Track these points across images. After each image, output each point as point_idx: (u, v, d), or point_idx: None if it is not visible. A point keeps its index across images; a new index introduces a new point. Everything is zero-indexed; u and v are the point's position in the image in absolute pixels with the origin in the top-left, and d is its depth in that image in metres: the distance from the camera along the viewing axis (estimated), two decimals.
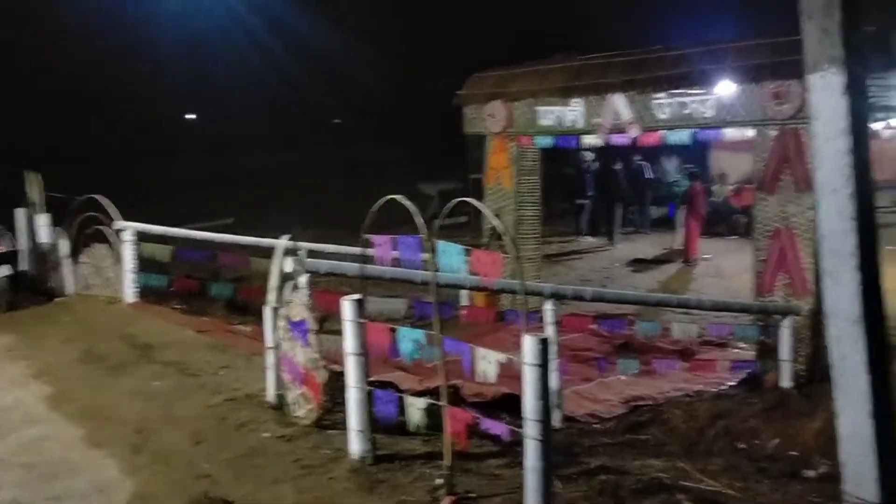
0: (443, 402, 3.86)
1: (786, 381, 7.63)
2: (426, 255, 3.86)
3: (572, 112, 9.78)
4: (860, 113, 2.73)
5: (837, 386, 2.84)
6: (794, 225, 8.07)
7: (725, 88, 8.46)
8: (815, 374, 7.73)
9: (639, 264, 14.38)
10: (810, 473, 4.71)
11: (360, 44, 29.34)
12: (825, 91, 2.72)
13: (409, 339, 4.08)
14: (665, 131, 9.18)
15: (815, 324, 7.80)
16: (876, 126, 13.43)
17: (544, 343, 3.21)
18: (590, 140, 10.05)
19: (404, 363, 5.47)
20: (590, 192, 17.22)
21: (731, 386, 7.92)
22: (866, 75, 2.78)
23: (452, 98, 11.22)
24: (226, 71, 30.63)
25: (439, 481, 3.99)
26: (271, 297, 5.35)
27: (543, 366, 3.19)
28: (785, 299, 8.11)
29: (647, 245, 15.94)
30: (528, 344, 3.18)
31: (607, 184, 16.71)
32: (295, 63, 29.50)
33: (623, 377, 7.94)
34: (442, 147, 21.76)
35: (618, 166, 16.73)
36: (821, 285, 7.96)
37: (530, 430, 3.20)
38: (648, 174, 17.57)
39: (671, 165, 18.70)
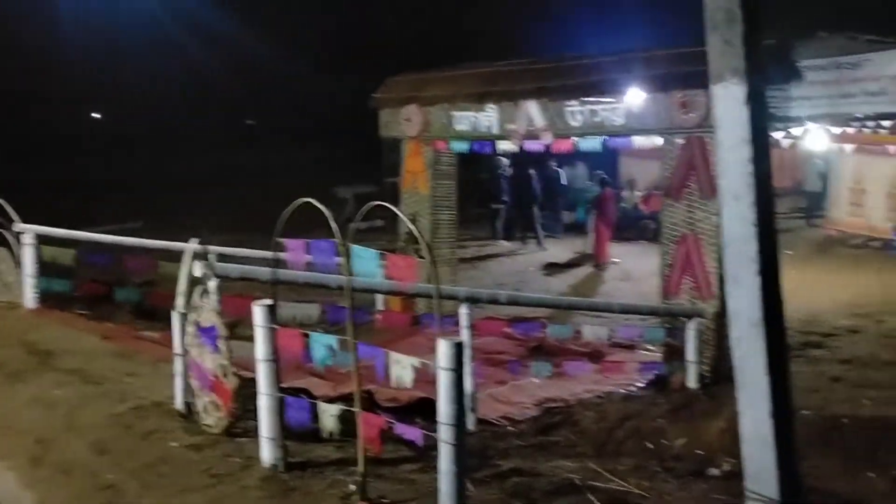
0: (356, 408, 3.82)
1: (692, 382, 7.86)
2: (340, 260, 3.82)
3: (487, 118, 9.87)
4: (761, 123, 2.83)
5: (739, 386, 2.94)
6: (700, 230, 8.32)
7: (635, 97, 8.67)
8: (720, 374, 8.00)
9: (552, 268, 14.62)
10: (715, 472, 4.86)
11: (274, 43, 28.90)
12: (728, 101, 2.81)
13: (321, 344, 4.03)
14: (577, 138, 9.34)
15: (720, 326, 8.06)
16: (776, 136, 14.05)
17: (459, 347, 3.21)
18: (504, 145, 10.17)
19: (319, 369, 5.40)
20: (504, 198, 17.41)
21: (639, 387, 8.11)
22: (767, 87, 2.89)
23: (368, 101, 11.17)
24: (134, 69, 29.70)
25: (353, 487, 3.95)
26: (180, 302, 5.21)
27: (458, 370, 3.20)
28: (691, 302, 8.36)
29: (560, 249, 16.22)
30: (443, 348, 3.18)
31: (526, 189, 16.92)
32: (207, 62, 28.85)
33: (536, 379, 8.04)
34: (358, 150, 21.65)
35: (533, 172, 16.98)
36: (724, 289, 8.26)
37: (444, 434, 3.20)
38: (563, 180, 17.89)
39: (582, 171, 19.08)
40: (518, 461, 5.05)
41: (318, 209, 3.89)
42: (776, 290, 2.94)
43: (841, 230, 15.87)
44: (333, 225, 3.76)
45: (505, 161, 17.11)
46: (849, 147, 15.36)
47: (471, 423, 6.68)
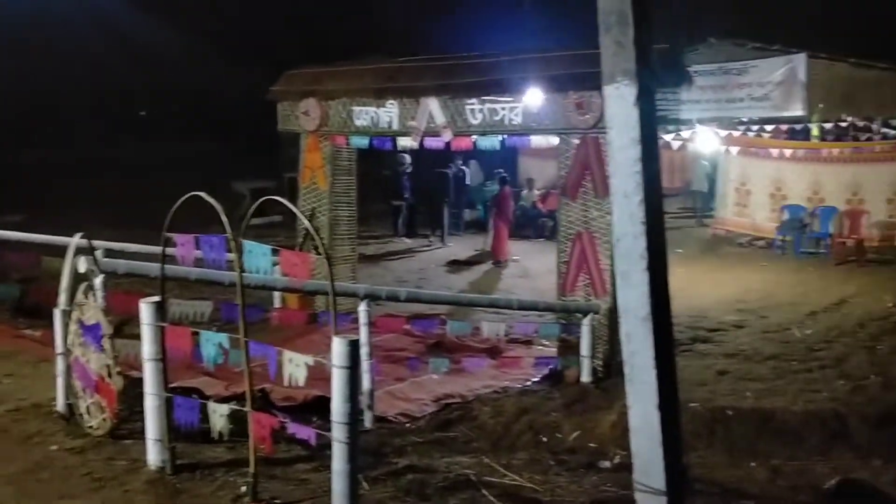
0: (247, 408, 3.73)
1: (586, 376, 8.04)
2: (231, 256, 3.71)
3: (387, 113, 9.82)
4: (650, 124, 2.89)
5: (629, 380, 3.00)
6: (594, 229, 8.51)
7: (533, 97, 8.79)
8: (612, 369, 8.22)
9: (453, 265, 14.69)
10: (606, 464, 4.98)
11: (174, 32, 27.94)
12: (619, 101, 2.86)
13: (211, 343, 3.92)
14: (477, 136, 9.41)
15: (612, 322, 8.28)
16: (667, 137, 14.52)
17: (353, 345, 3.17)
18: (405, 142, 10.14)
19: (212, 368, 5.25)
20: (406, 195, 17.41)
21: (535, 382, 8.25)
22: (656, 88, 2.96)
23: (266, 93, 10.95)
24: (21, 52, 28.15)
25: (243, 489, 3.86)
26: (63, 299, 4.97)
27: (352, 368, 3.15)
28: (585, 299, 8.54)
29: (462, 247, 16.31)
30: (337, 346, 3.13)
31: (439, 186, 16.94)
32: (102, 50, 27.63)
33: (435, 376, 8.06)
34: (257, 144, 21.19)
35: (445, 170, 17.04)
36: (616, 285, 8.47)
37: (338, 432, 3.15)
38: (468, 179, 18.02)
39: (476, 170, 19.24)
40: (414, 458, 5.04)
41: (215, 204, 3.77)
42: (664, 287, 3.01)
43: (728, 229, 16.52)
44: (224, 220, 3.66)
45: (407, 158, 17.11)
46: (735, 149, 16.01)
47: (368, 421, 6.65)
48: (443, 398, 7.74)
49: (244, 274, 3.78)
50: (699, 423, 6.85)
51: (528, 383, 8.25)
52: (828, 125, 15.93)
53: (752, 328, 10.22)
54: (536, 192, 18.21)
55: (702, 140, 15.75)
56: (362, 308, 6.36)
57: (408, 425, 7.22)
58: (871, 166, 14.65)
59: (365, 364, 6.47)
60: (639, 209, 2.91)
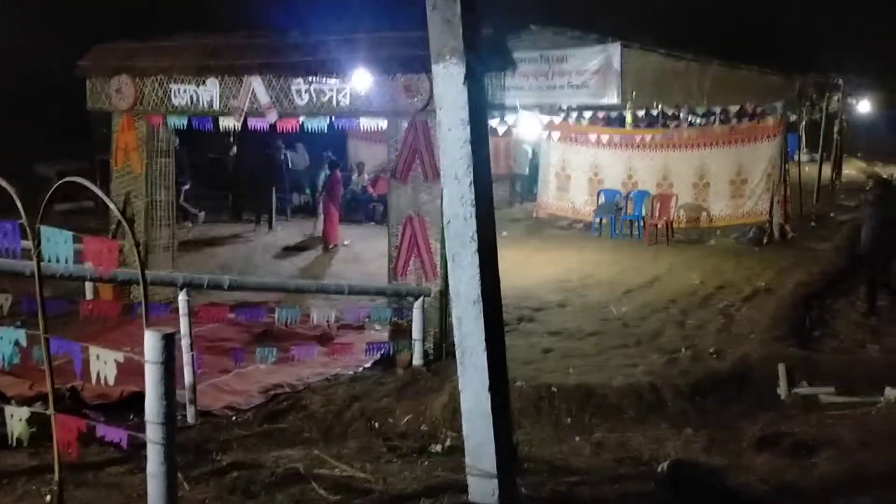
0: (50, 410, 3.39)
1: (418, 360, 8.04)
2: (27, 244, 3.35)
3: (208, 92, 9.34)
4: (479, 104, 2.85)
5: (460, 363, 2.96)
6: (424, 212, 8.49)
7: (361, 79, 8.64)
8: (443, 351, 8.27)
9: (282, 251, 14.31)
10: (437, 448, 4.97)
11: None
12: (448, 81, 2.79)
13: (6, 340, 3.52)
14: (303, 118, 9.15)
15: (443, 305, 8.32)
16: (493, 123, 14.82)
17: (168, 338, 2.93)
18: (227, 123, 9.71)
19: (6, 368, 4.76)
20: (232, 178, 16.81)
21: (367, 368, 8.16)
22: (483, 68, 2.91)
23: (74, 69, 10.14)
24: None
25: (48, 498, 3.51)
26: None
27: (167, 363, 2.92)
28: (417, 282, 8.53)
29: (290, 232, 15.91)
30: (150, 340, 2.88)
31: (265, 170, 16.38)
32: None
33: (262, 366, 7.80)
34: (69, 124, 19.63)
35: (273, 152, 16.50)
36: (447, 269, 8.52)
37: (152, 433, 2.91)
38: (291, 162, 17.56)
39: (302, 152, 18.82)
40: (240, 454, 4.82)
41: (6, 186, 3.38)
42: (494, 269, 3.00)
43: (550, 213, 17.12)
44: (18, 203, 3.29)
45: (231, 140, 16.51)
46: (555, 135, 16.59)
47: (191, 416, 6.33)
48: (271, 389, 7.50)
49: (46, 263, 3.42)
50: (526, 401, 7.02)
51: (360, 369, 8.15)
52: (640, 113, 16.86)
53: (574, 307, 10.60)
54: (367, 176, 18.09)
55: (525, 126, 16.21)
56: (182, 297, 6.02)
57: (234, 419, 6.94)
58: (679, 152, 15.62)
59: (186, 356, 6.14)
60: (469, 191, 2.88)
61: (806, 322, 9.42)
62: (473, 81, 2.80)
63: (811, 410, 6.97)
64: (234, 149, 16.94)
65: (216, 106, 9.38)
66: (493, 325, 2.97)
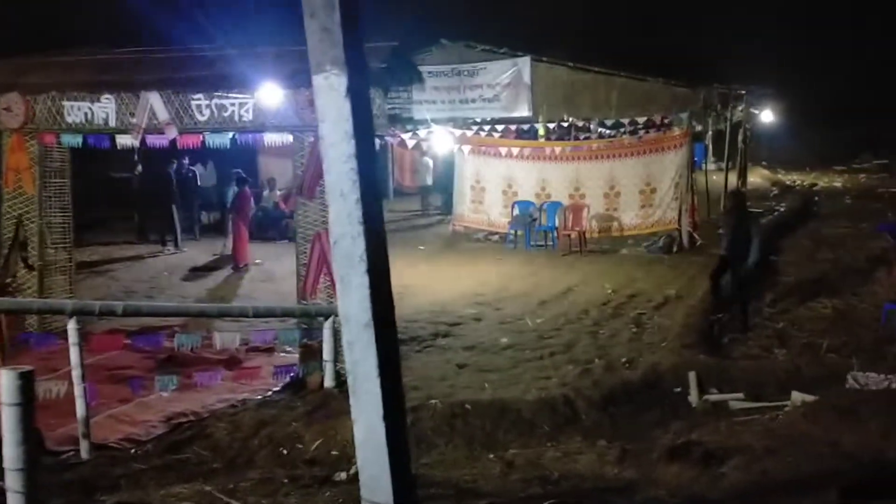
0: None
1: (329, 381, 7.80)
2: None
3: (103, 109, 8.96)
4: (364, 117, 2.70)
5: (352, 391, 2.79)
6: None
7: (265, 93, 8.41)
8: None
9: (190, 272, 13.84)
10: (342, 475, 4.76)
11: None
12: (329, 93, 2.64)
13: None
14: (207, 134, 8.85)
15: None
16: (404, 136, 14.71)
17: (25, 378, 2.67)
18: (125, 140, 9.30)
19: None
20: (137, 198, 16.22)
21: (276, 391, 7.88)
22: (367, 79, 2.76)
23: None
24: None
25: None
26: None
27: (25, 404, 2.65)
28: (328, 301, 8.31)
29: (198, 252, 15.42)
30: (5, 380, 2.62)
31: (163, 188, 15.81)
32: None
33: (165, 394, 7.45)
34: None
35: (170, 169, 15.93)
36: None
37: (11, 480, 2.64)
38: (199, 179, 17.05)
39: (211, 170, 18.36)
40: (127, 493, 4.51)
41: None
42: (386, 290, 2.84)
43: (466, 226, 17.08)
44: None
45: (136, 158, 15.94)
46: (469, 149, 16.58)
47: (85, 451, 5.97)
48: (174, 417, 7.16)
49: None
50: (440, 420, 6.87)
51: (269, 394, 7.87)
52: (552, 125, 17.02)
53: (489, 320, 10.55)
54: (278, 193, 17.70)
55: (437, 139, 16.15)
56: (71, 326, 5.67)
57: (133, 451, 6.59)
58: (589, 163, 15.82)
59: (77, 388, 5.78)
60: (356, 208, 2.72)
61: (715, 328, 9.57)
62: (357, 93, 2.64)
63: (721, 417, 7.02)
64: (139, 167, 16.35)
65: (112, 123, 9.01)
66: (387, 350, 2.81)
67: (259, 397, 7.75)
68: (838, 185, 24.63)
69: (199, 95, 8.59)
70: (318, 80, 2.67)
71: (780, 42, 34.28)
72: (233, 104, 8.51)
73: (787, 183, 25.12)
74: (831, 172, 27.64)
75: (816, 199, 20.91)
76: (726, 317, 9.90)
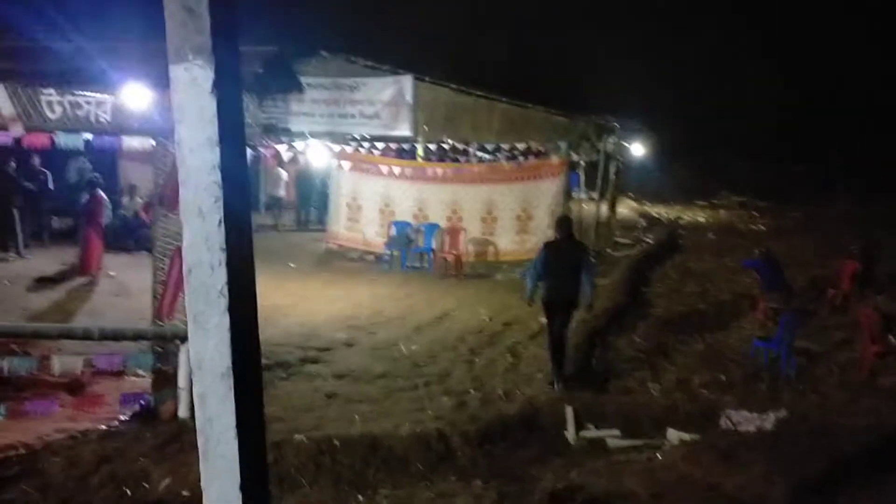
0: None
1: (184, 411, 7.08)
2: None
3: None
4: (233, 119, 2.20)
5: (203, 455, 2.27)
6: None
7: (127, 92, 7.65)
8: None
9: (35, 283, 12.56)
10: None
11: None
12: (189, 87, 2.13)
13: None
14: (59, 134, 7.96)
15: None
16: (280, 148, 14.04)
17: None
18: None
19: None
20: None
21: (123, 421, 7.10)
22: (239, 74, 2.26)
23: None
24: None
25: None
26: None
27: None
28: (185, 322, 7.57)
29: (47, 260, 14.08)
30: None
31: (6, 188, 14.36)
32: None
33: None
34: None
35: (12, 169, 14.50)
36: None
37: None
38: (49, 181, 15.62)
39: (74, 172, 16.95)
40: None
41: None
42: (251, 333, 2.34)
43: (341, 244, 16.50)
44: None
45: None
46: (346, 164, 16.04)
47: None
48: (1, 450, 6.28)
49: None
50: (304, 457, 6.35)
51: (115, 423, 7.07)
52: (432, 146, 16.72)
53: (362, 345, 10.05)
54: (139, 201, 16.53)
55: (314, 153, 15.55)
56: None
57: None
58: (468, 187, 15.61)
59: None
60: (218, 232, 2.21)
61: (591, 361, 9.44)
62: (226, 90, 2.14)
63: (599, 455, 6.83)
64: None
65: None
66: (250, 407, 2.30)
67: (103, 427, 6.96)
68: (701, 219, 25.55)
69: (51, 91, 7.71)
70: (176, 71, 2.15)
71: (650, 76, 35.61)
72: (88, 102, 7.69)
73: (654, 215, 25.85)
74: (694, 206, 28.72)
75: (681, 232, 21.54)
76: (599, 351, 9.82)
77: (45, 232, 15.59)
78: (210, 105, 2.14)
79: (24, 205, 14.49)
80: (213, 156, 2.17)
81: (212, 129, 2.15)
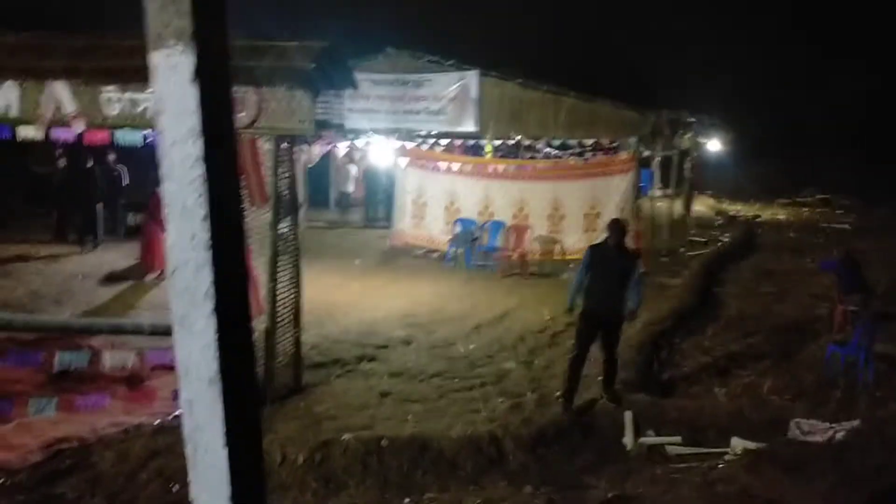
0: None
1: None
2: None
3: (4, 97, 8.10)
4: (219, 110, 2.06)
5: (191, 463, 2.13)
6: (252, 240, 7.61)
7: None
8: (266, 398, 7.36)
9: (105, 278, 12.88)
10: None
11: None
12: (170, 75, 2.00)
13: None
14: (116, 130, 8.07)
15: (269, 346, 7.48)
16: (341, 144, 14.03)
17: None
18: (27, 132, 8.45)
19: None
20: (57, 194, 15.23)
21: (175, 416, 7.13)
22: (227, 61, 2.12)
23: None
24: None
25: None
26: None
27: None
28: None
29: (119, 255, 14.43)
30: None
31: (85, 184, 14.80)
32: None
33: (51, 414, 6.65)
34: None
35: (92, 165, 14.93)
36: (273, 304, 7.60)
37: None
38: (125, 177, 16.04)
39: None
40: None
41: None
42: (241, 336, 2.19)
43: (406, 242, 16.46)
44: None
45: (58, 152, 14.96)
46: (412, 162, 15.98)
47: None
48: (55, 443, 6.39)
49: None
50: (351, 457, 6.25)
51: (169, 418, 7.10)
52: (498, 142, 16.51)
53: (420, 344, 9.94)
54: None
55: (378, 150, 15.53)
56: None
57: (4, 482, 5.81)
58: (534, 183, 15.35)
59: None
60: (203, 229, 2.06)
61: (654, 364, 9.10)
62: (210, 79, 2.00)
63: (657, 463, 6.54)
64: (62, 161, 15.34)
65: (14, 113, 8.13)
66: (241, 416, 2.15)
67: (157, 422, 7.00)
68: (781, 217, 24.68)
69: (111, 87, 7.80)
70: (156, 57, 2.01)
71: (729, 72, 34.57)
72: (146, 99, 7.75)
73: (732, 213, 25.09)
74: (775, 205, 27.75)
75: (760, 231, 20.82)
76: (664, 353, 9.46)
77: (121, 227, 16.00)
78: (191, 94, 2.00)
79: (108, 200, 14.94)
80: (195, 149, 2.02)
81: (193, 121, 2.01)
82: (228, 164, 2.16)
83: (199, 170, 2.04)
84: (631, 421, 7.13)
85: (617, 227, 7.87)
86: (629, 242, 8.27)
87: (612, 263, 7.66)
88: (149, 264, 12.85)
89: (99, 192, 14.92)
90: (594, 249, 7.92)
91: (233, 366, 2.18)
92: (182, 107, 2.02)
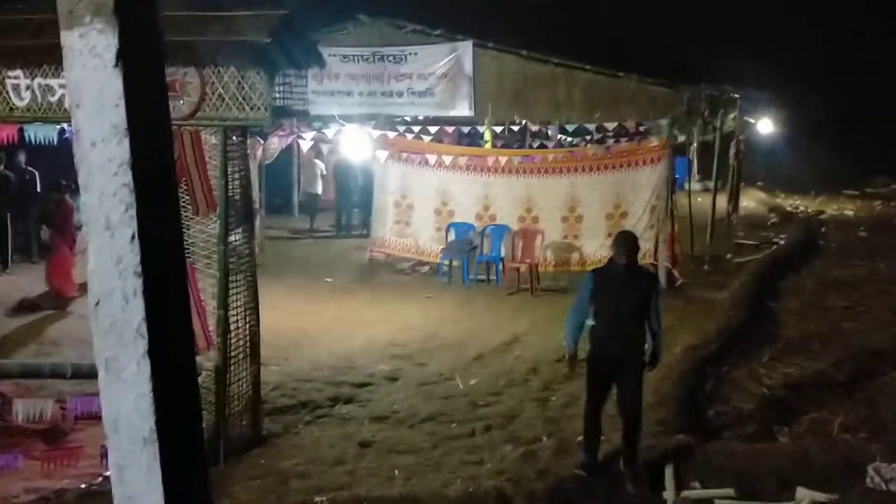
0: None
1: None
2: None
3: None
4: (150, 101, 2.05)
5: None
6: (195, 257, 7.61)
7: None
8: (220, 453, 7.36)
9: (17, 307, 12.84)
10: None
11: None
12: (86, 60, 1.98)
13: None
14: (26, 125, 8.09)
15: (220, 386, 7.46)
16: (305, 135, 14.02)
17: None
18: None
19: None
20: None
21: (106, 477, 7.11)
22: (159, 43, 2.11)
23: None
24: None
25: None
26: None
27: None
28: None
29: (33, 278, 14.38)
30: None
31: None
32: None
33: None
34: None
35: (2, 168, 14.91)
36: (225, 338, 7.58)
37: None
38: (37, 183, 15.98)
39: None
40: None
41: None
42: (184, 382, 2.17)
43: (388, 253, 16.47)
44: None
45: None
46: (392, 154, 15.96)
47: None
48: None
49: None
50: None
51: (98, 481, 7.10)
52: (499, 128, 16.54)
53: (408, 380, 9.99)
54: None
55: (351, 142, 15.54)
56: None
57: None
58: (545, 178, 15.37)
59: None
60: (131, 250, 2.04)
61: (698, 398, 9.12)
62: (136, 62, 1.98)
63: None
64: None
65: None
66: (184, 479, 2.14)
67: (83, 486, 7.01)
68: (849, 213, 24.82)
69: (18, 72, 7.80)
70: (69, 38, 2.00)
71: (782, 39, 34.75)
72: (62, 86, 7.74)
73: (788, 209, 25.22)
74: (841, 198, 27.91)
75: (823, 230, 20.92)
76: (710, 384, 9.48)
77: (34, 244, 15.90)
78: (113, 83, 1.98)
79: (14, 210, 14.88)
80: (121, 150, 2.01)
81: (117, 116, 1.99)
82: (163, 167, 2.14)
83: (126, 177, 2.03)
84: (672, 472, 7.14)
85: (626, 241, 7.31)
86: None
87: (623, 289, 7.15)
88: (57, 290, 12.82)
89: (8, 202, 14.87)
90: (597, 274, 7.45)
91: (173, 420, 2.16)
92: (103, 99, 2.01)
